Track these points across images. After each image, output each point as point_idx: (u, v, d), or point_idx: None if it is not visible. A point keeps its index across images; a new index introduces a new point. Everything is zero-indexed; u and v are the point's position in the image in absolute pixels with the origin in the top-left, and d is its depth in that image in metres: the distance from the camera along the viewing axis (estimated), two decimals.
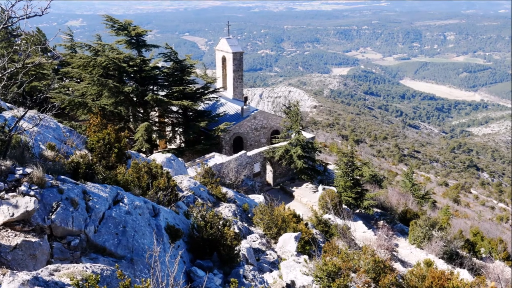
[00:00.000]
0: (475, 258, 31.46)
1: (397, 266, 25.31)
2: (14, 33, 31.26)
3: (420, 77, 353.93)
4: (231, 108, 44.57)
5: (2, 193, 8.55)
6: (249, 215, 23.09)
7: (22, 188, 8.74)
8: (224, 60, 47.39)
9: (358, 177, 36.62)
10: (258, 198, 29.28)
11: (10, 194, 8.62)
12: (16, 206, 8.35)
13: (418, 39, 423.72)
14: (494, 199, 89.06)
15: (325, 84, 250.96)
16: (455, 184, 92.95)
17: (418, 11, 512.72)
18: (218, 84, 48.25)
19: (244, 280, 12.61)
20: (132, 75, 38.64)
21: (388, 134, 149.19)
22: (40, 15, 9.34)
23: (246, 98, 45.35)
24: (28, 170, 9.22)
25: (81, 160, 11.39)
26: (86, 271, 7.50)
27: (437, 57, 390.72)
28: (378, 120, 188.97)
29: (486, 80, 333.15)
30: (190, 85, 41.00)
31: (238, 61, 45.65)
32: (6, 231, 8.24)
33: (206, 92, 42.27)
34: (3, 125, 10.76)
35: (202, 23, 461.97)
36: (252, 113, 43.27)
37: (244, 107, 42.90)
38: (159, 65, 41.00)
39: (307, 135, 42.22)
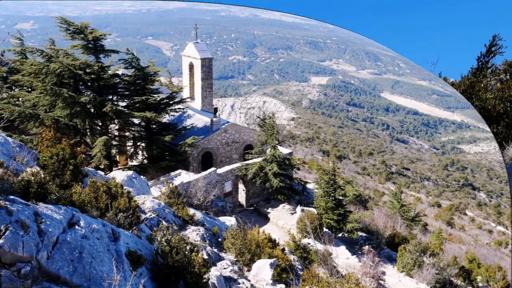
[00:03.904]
0: (470, 287, 31.77)
1: None
2: None
3: (398, 92, 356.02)
4: (200, 120, 44.64)
5: None
6: (220, 239, 23.12)
7: None
8: (191, 67, 47.47)
9: (340, 197, 36.84)
10: (230, 220, 29.35)
11: None
12: None
13: (378, 59, 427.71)
14: (492, 222, 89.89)
15: (303, 93, 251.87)
16: (448, 205, 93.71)
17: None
18: (185, 93, 48.26)
19: None
20: (89, 83, 38.51)
21: (374, 149, 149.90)
22: None
23: (216, 109, 45.42)
24: None
25: (33, 178, 11.37)
26: None
27: (404, 77, 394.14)
28: (363, 134, 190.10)
29: (457, 104, 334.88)
30: (154, 95, 41.00)
31: (207, 68, 45.80)
32: None
33: (171, 102, 42.33)
34: None
35: (167, 26, 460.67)
36: (223, 126, 43.34)
37: (214, 119, 42.98)
38: (119, 72, 40.96)
39: (284, 150, 42.43)
